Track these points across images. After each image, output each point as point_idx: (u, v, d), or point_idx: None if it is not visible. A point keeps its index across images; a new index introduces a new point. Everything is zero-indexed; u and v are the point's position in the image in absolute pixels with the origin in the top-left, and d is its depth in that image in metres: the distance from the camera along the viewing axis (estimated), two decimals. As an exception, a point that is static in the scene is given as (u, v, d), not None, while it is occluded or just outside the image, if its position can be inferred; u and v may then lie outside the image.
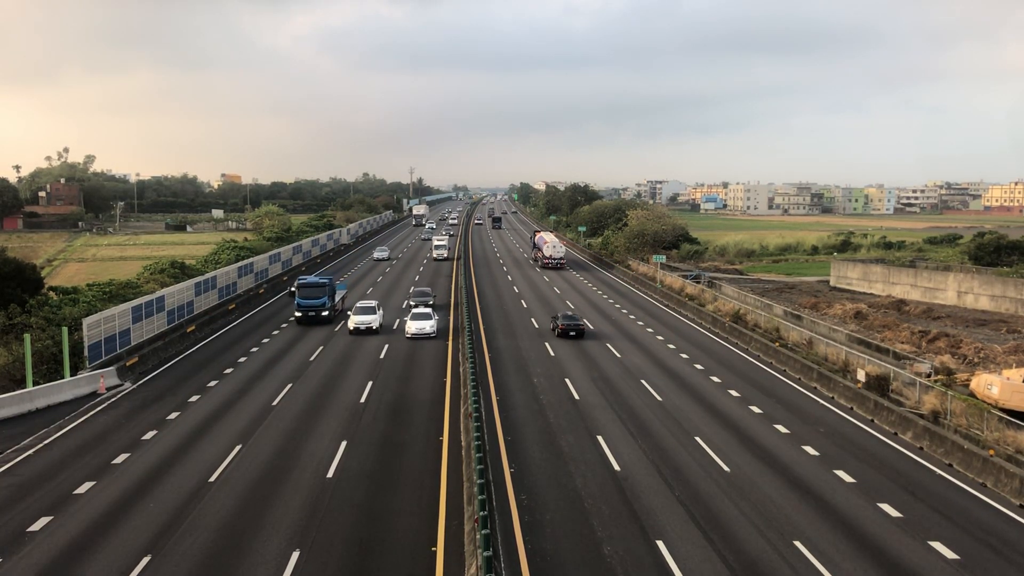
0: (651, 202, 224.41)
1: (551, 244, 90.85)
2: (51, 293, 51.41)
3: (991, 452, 27.00)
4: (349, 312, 52.31)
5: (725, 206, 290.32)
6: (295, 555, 20.36)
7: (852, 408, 34.15)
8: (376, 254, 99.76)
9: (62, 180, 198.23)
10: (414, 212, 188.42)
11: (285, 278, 75.77)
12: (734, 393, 36.63)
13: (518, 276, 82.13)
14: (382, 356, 43.63)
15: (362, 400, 34.89)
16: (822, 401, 35.56)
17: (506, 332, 50.66)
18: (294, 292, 54.57)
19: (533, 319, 55.62)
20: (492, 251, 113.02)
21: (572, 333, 48.57)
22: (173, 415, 32.75)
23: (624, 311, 60.13)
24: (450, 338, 48.22)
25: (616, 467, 26.74)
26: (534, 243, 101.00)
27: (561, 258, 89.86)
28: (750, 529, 22.13)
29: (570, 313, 52.09)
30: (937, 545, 21.28)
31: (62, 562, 20.08)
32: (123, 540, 21.23)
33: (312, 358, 43.13)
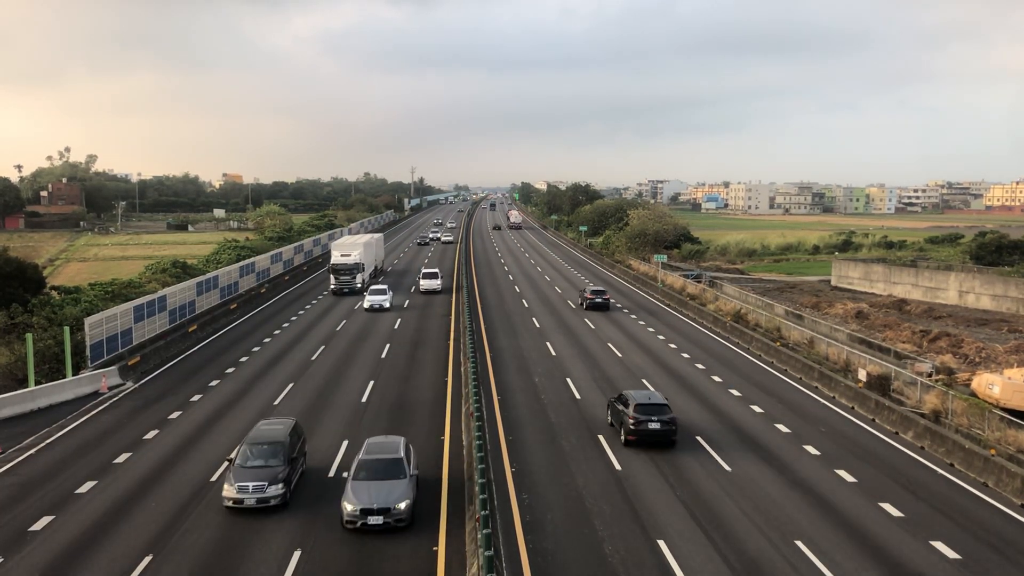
0: (652, 202, 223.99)
1: (515, 215, 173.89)
2: (53, 293, 51.48)
3: (992, 452, 26.99)
4: None
5: (726, 206, 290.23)
6: (296, 554, 20.45)
7: (853, 407, 34.12)
8: None
9: (64, 180, 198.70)
10: (333, 260, 68.77)
11: (287, 278, 75.90)
12: (735, 392, 36.61)
13: (518, 275, 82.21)
14: (383, 356, 43.70)
15: (363, 399, 34.91)
16: (823, 400, 35.54)
17: (507, 332, 50.71)
18: None
19: (534, 319, 55.65)
20: (493, 249, 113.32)
21: (599, 301, 59.16)
22: (175, 415, 32.79)
23: (625, 310, 60.11)
24: (451, 339, 48.30)
25: (617, 467, 26.74)
26: (508, 216, 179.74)
27: (520, 223, 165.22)
28: (751, 528, 22.13)
29: (598, 288, 62.19)
30: (938, 544, 21.28)
31: (63, 562, 20.12)
32: (124, 540, 21.28)
33: (314, 357, 43.18)
